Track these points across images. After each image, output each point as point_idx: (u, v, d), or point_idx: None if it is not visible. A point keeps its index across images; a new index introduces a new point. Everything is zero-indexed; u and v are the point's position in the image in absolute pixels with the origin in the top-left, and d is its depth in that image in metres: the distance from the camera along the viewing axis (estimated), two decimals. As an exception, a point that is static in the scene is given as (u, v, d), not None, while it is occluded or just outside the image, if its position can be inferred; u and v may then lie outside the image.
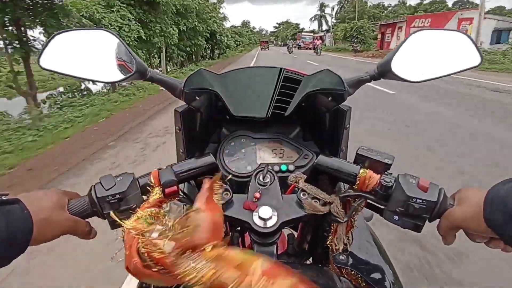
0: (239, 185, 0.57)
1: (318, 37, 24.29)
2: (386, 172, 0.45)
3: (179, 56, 14.56)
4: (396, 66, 0.51)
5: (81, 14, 6.56)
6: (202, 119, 0.61)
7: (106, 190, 0.41)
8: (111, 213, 0.40)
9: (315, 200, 0.46)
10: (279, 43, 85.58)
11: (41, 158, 3.37)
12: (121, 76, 0.49)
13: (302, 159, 0.61)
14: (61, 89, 12.33)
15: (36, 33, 8.79)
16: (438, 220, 0.42)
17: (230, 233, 0.63)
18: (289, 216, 0.46)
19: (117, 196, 0.41)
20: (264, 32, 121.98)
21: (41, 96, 8.48)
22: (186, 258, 0.32)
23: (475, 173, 2.58)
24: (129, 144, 3.75)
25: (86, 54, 0.49)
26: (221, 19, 23.57)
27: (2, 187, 2.65)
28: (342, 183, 0.57)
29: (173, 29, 11.07)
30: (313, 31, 63.24)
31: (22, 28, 5.02)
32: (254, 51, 43.76)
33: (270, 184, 0.50)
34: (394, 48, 0.52)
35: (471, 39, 0.51)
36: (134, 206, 0.42)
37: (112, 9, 7.95)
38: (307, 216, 0.46)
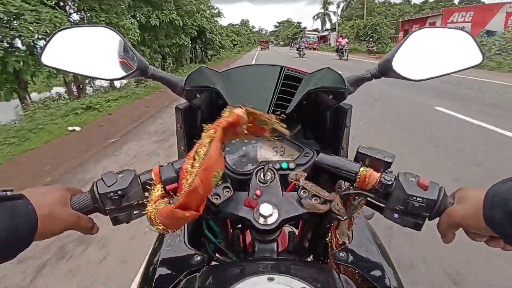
0: (240, 183, 0.57)
1: (343, 36, 18.85)
2: (386, 171, 0.45)
3: (152, 59, 11.02)
4: (398, 64, 0.50)
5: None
6: (203, 116, 0.61)
7: (108, 186, 0.42)
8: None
9: (316, 198, 0.47)
10: (281, 43, 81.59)
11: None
12: (122, 73, 0.49)
13: (303, 157, 0.61)
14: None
15: None
16: (438, 218, 0.42)
17: (231, 230, 0.63)
18: (290, 214, 0.46)
19: (119, 192, 0.42)
20: (263, 32, 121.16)
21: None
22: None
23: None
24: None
25: (87, 51, 0.49)
26: (213, 14, 20.95)
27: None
28: (343, 181, 0.57)
29: (131, 22, 8.31)
30: (316, 30, 59.64)
31: None
32: (254, 51, 41.70)
33: (270, 182, 0.50)
34: (395, 46, 0.52)
35: (473, 38, 0.51)
36: (135, 203, 0.43)
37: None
38: (308, 214, 0.46)
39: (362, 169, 0.46)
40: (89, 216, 0.44)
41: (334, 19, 60.87)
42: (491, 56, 10.47)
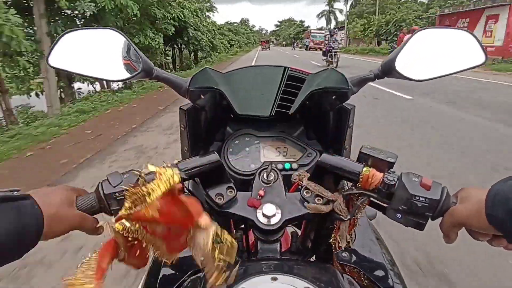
0: (243, 183, 0.57)
1: (335, 33, 13.96)
2: (389, 171, 0.45)
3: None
4: (400, 65, 0.51)
5: None
6: (206, 117, 0.61)
7: (113, 187, 0.42)
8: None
9: (319, 198, 0.47)
10: (283, 42, 77.25)
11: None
12: (128, 75, 0.50)
13: (306, 157, 0.61)
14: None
15: None
16: (440, 218, 0.42)
17: (234, 230, 0.64)
18: (293, 214, 0.46)
19: (124, 192, 0.42)
20: (264, 32, 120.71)
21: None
22: None
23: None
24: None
25: (93, 53, 0.50)
26: (201, 8, 16.50)
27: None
28: (345, 182, 0.58)
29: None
30: (321, 29, 52.91)
31: None
32: (254, 52, 38.01)
33: (273, 182, 0.50)
34: (399, 46, 0.52)
35: (476, 38, 0.51)
36: None
37: None
38: (311, 214, 0.46)
39: (365, 169, 0.46)
40: (94, 216, 0.44)
41: (340, 17, 57.00)
42: None
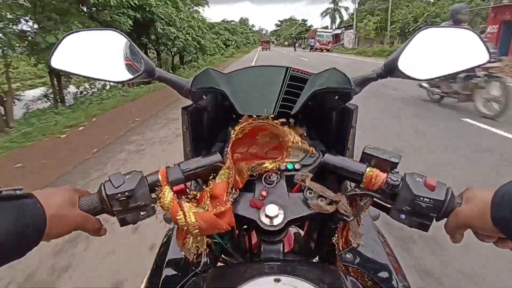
0: (246, 184, 0.57)
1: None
2: (392, 171, 0.45)
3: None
4: (403, 64, 0.50)
5: None
6: (209, 118, 0.61)
7: (116, 187, 0.42)
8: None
9: (322, 198, 0.47)
10: (285, 43, 72.93)
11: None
12: (130, 76, 0.50)
13: (309, 158, 0.61)
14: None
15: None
16: (445, 219, 0.42)
17: (237, 231, 0.63)
18: (296, 214, 0.46)
19: (126, 193, 0.42)
20: (264, 32, 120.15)
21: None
22: None
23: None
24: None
25: (95, 54, 0.50)
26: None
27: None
28: (349, 182, 0.57)
29: None
30: (325, 28, 49.22)
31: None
32: (253, 53, 33.85)
33: (276, 183, 0.50)
34: (401, 46, 0.52)
35: (479, 36, 0.51)
36: (142, 204, 0.43)
37: None
38: (314, 215, 0.46)
39: (368, 169, 0.46)
40: (97, 217, 0.44)
41: (346, 16, 53.13)
42: None
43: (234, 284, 0.34)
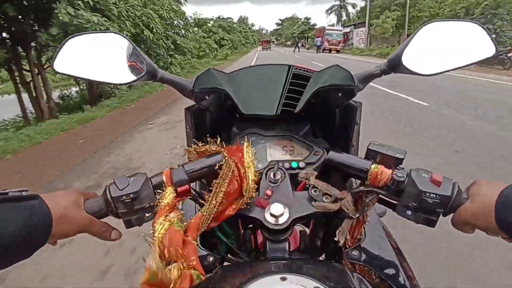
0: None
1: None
2: (398, 167, 0.44)
3: None
4: (407, 60, 0.50)
5: None
6: (212, 118, 0.61)
7: (120, 190, 0.42)
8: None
9: (327, 196, 0.46)
10: (287, 42, 69.13)
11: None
12: (132, 78, 0.50)
13: (313, 155, 0.61)
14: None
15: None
16: (452, 214, 0.41)
17: (242, 230, 0.63)
18: (301, 213, 0.46)
19: (131, 195, 0.42)
20: (264, 32, 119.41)
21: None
22: None
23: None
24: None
25: (97, 57, 0.51)
26: None
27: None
28: (354, 179, 0.57)
29: None
30: (332, 26, 44.62)
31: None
32: (253, 53, 31.69)
33: (281, 181, 0.50)
34: (405, 41, 0.51)
35: (485, 29, 0.50)
36: (147, 206, 0.43)
37: None
38: (319, 213, 0.46)
39: (373, 166, 0.45)
40: (103, 220, 0.44)
41: (353, 12, 49.49)
42: None
43: (241, 283, 0.34)
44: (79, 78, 0.52)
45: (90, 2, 5.70)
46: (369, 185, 0.46)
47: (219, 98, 0.60)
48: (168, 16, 10.90)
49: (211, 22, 26.71)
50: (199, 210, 0.45)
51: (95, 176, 3.00)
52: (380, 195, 0.45)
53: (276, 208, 0.45)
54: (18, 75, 6.84)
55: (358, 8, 45.54)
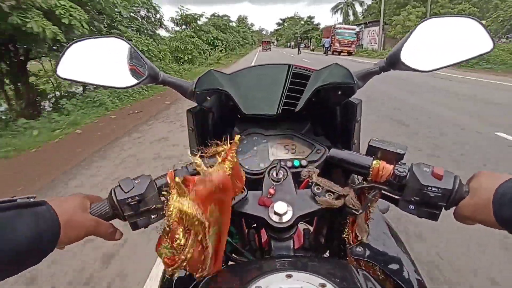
0: (253, 183, 0.57)
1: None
2: (399, 162, 0.45)
3: None
4: (406, 56, 0.50)
5: None
6: (214, 118, 0.62)
7: (126, 192, 0.43)
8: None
9: (329, 193, 0.47)
10: (291, 43, 61.71)
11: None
12: (134, 81, 0.51)
13: (315, 153, 0.61)
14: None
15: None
16: (454, 207, 0.42)
17: (246, 230, 0.64)
18: (304, 211, 0.46)
19: (136, 198, 0.42)
20: (264, 32, 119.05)
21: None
22: None
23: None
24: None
25: (100, 62, 0.51)
26: None
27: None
28: (356, 176, 0.57)
29: None
30: (340, 23, 39.00)
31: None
32: (252, 55, 28.37)
33: (283, 180, 0.51)
34: (403, 38, 0.52)
35: (482, 24, 0.50)
36: (152, 207, 0.43)
37: None
38: (322, 210, 0.46)
39: (374, 162, 0.46)
40: (109, 222, 0.44)
41: (360, 11, 46.76)
42: None
43: (246, 281, 0.35)
44: (82, 83, 0.53)
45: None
46: (371, 181, 0.46)
47: (220, 98, 0.61)
48: (125, 7, 6.99)
49: (201, 19, 21.50)
50: None
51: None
52: (382, 191, 0.46)
53: (280, 206, 0.45)
54: None
55: (365, 6, 42.83)
